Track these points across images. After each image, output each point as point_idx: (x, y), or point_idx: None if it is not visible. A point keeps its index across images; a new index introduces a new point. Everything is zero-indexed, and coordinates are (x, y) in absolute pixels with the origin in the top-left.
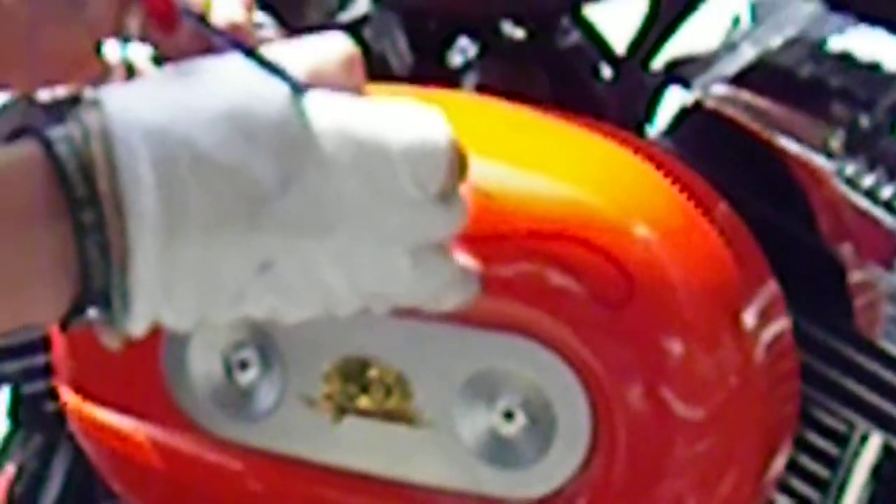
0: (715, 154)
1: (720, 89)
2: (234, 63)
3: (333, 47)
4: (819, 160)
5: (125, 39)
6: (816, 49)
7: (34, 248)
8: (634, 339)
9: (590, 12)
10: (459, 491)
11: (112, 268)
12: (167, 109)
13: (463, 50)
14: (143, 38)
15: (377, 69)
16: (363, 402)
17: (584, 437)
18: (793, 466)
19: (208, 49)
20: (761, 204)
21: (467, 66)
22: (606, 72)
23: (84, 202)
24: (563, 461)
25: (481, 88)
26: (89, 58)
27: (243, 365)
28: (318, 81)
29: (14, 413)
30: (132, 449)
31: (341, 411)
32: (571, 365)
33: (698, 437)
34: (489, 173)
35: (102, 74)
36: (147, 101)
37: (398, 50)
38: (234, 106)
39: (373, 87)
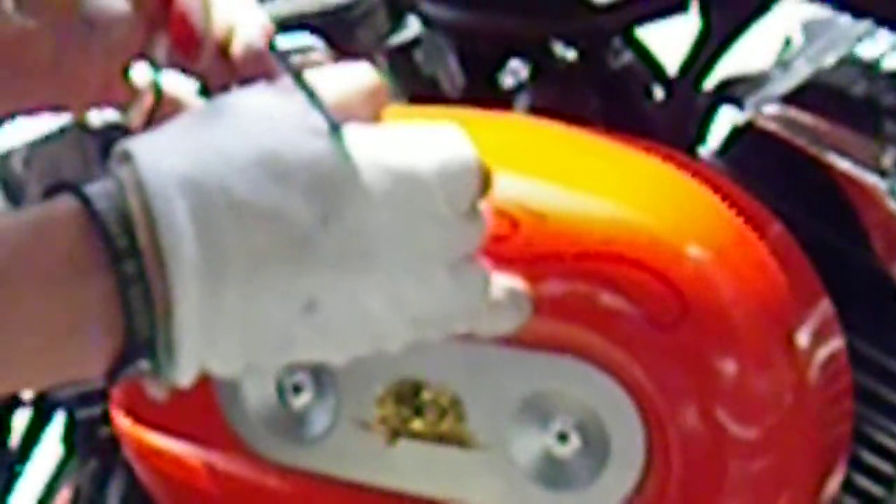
0: (767, 174)
1: (772, 109)
2: (260, 99)
3: (358, 77)
4: (872, 179)
5: (153, 64)
6: (869, 68)
7: (77, 303)
8: (688, 360)
9: (641, 33)
10: None
11: (156, 318)
12: (199, 157)
13: (515, 72)
14: (170, 64)
15: (429, 92)
16: (417, 425)
17: (638, 459)
18: (848, 486)
19: (236, 75)
20: (814, 223)
21: (519, 87)
22: (658, 92)
23: (125, 254)
24: (617, 483)
25: (533, 110)
26: (115, 82)
27: (297, 389)
28: (344, 113)
29: (69, 438)
30: (186, 474)
31: (395, 434)
32: (625, 386)
33: (753, 458)
34: (542, 194)
35: (130, 99)
36: (178, 150)
37: (450, 72)
38: (265, 148)
39: (407, 112)
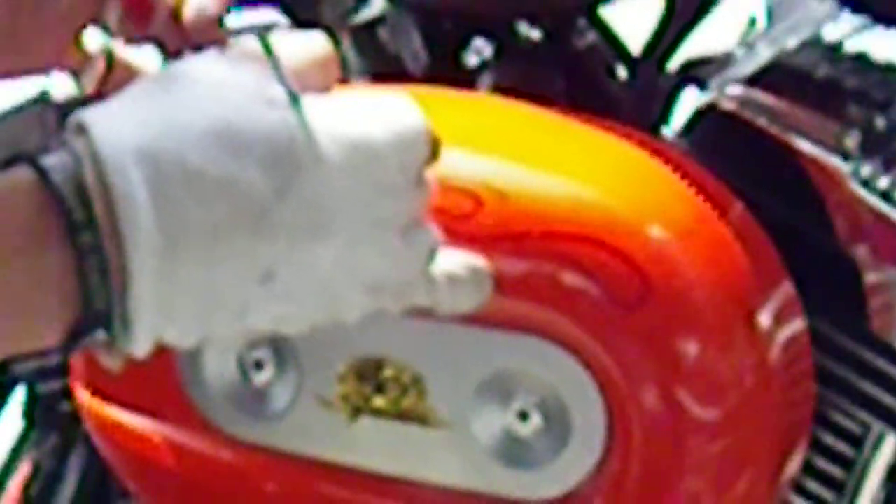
0: (730, 155)
1: (736, 90)
2: (215, 67)
3: (312, 46)
4: (834, 161)
5: (105, 29)
6: (832, 50)
7: (34, 273)
8: (649, 340)
9: (605, 13)
10: (474, 491)
11: (112, 289)
12: (154, 128)
13: (479, 50)
14: (122, 30)
15: (392, 69)
16: (378, 402)
17: (599, 438)
18: (808, 468)
19: (188, 41)
20: (776, 205)
21: (483, 66)
22: (622, 72)
23: (82, 226)
24: (578, 462)
25: (497, 89)
26: (68, 49)
27: (258, 365)
28: (298, 81)
29: (29, 413)
30: (147, 449)
31: (356, 411)
32: (586, 365)
33: (713, 438)
34: (505, 173)
35: (83, 65)
36: (133, 120)
37: (414, 50)
38: (221, 118)
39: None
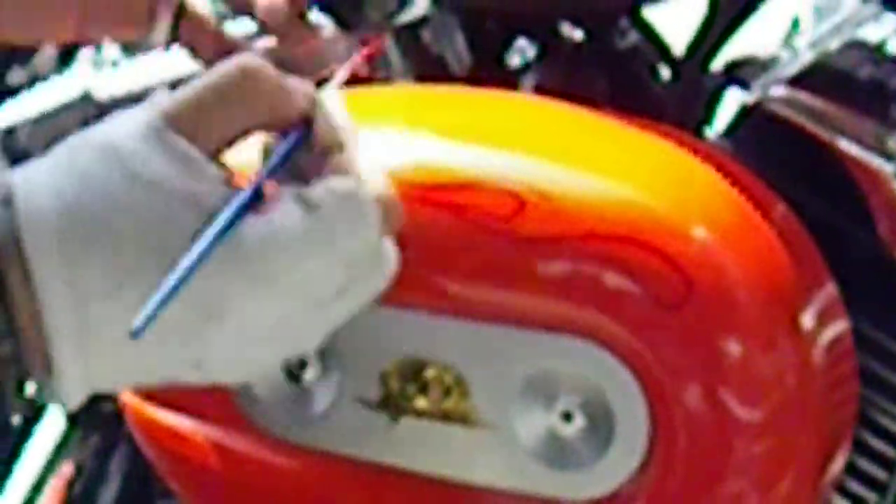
0: (774, 156)
1: (779, 91)
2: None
3: (220, 74)
4: (878, 162)
5: None
6: (875, 51)
7: None
8: (692, 341)
9: (648, 13)
10: (516, 492)
11: (37, 377)
12: (87, 233)
13: (522, 51)
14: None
15: (436, 70)
16: (421, 402)
17: (642, 439)
18: (851, 469)
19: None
20: (820, 205)
21: (526, 67)
22: (665, 73)
23: (2, 335)
24: (621, 463)
25: (539, 89)
26: (140, 6)
27: (302, 365)
28: (206, 119)
29: (71, 413)
30: (190, 449)
31: (399, 412)
32: (630, 366)
33: (756, 439)
34: (548, 174)
35: (149, 19)
36: (64, 214)
37: (457, 51)
38: (152, 233)
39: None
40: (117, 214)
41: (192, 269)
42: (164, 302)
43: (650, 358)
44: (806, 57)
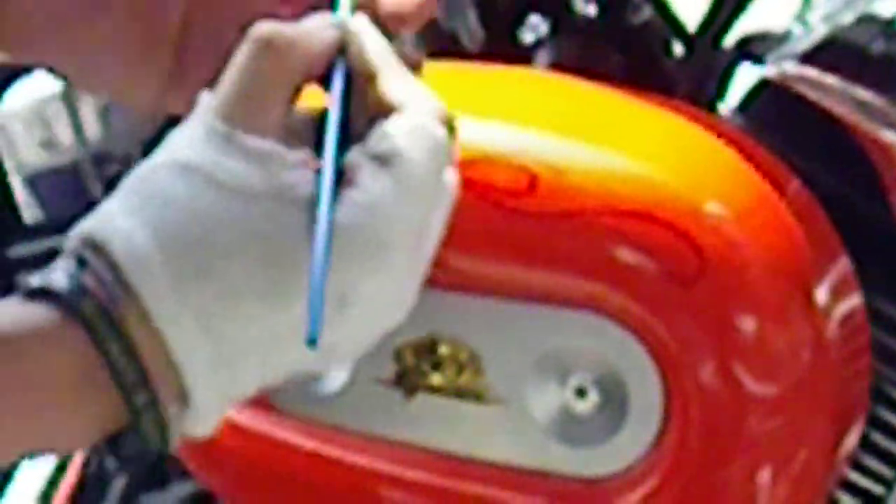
0: (787, 131)
1: (792, 66)
2: (228, 164)
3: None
4: (891, 137)
5: None
6: (888, 26)
7: (68, 424)
8: (706, 316)
9: None
10: (530, 468)
11: (169, 435)
12: (185, 251)
13: (534, 27)
14: None
15: (448, 47)
16: (435, 379)
17: (656, 415)
18: (865, 443)
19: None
20: (833, 181)
21: (539, 43)
22: (678, 48)
23: (135, 386)
24: (634, 439)
25: (553, 66)
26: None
27: None
28: (254, 107)
29: None
30: None
31: (413, 389)
32: (644, 342)
33: (770, 414)
34: (561, 150)
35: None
36: (158, 239)
37: (470, 28)
38: (254, 232)
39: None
40: (215, 231)
41: (325, 265)
42: (320, 304)
43: (664, 334)
44: (819, 32)
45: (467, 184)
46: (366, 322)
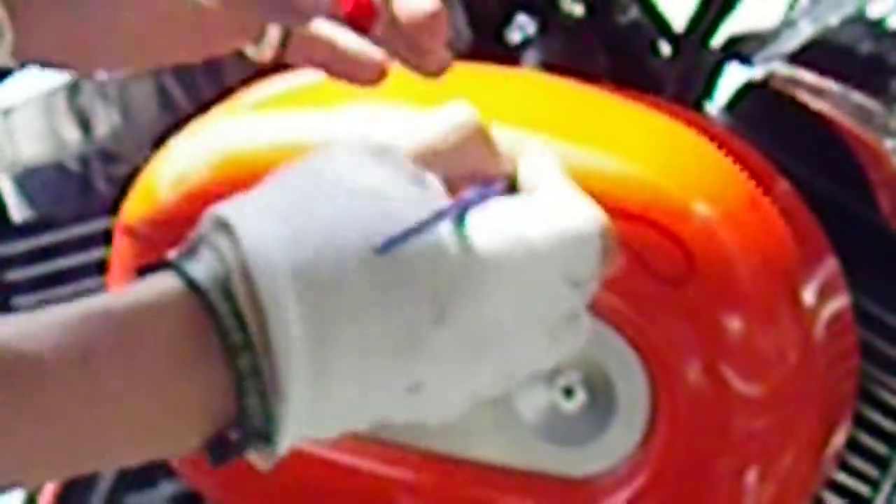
0: (774, 131)
1: (779, 67)
2: (367, 166)
3: (449, 121)
4: (878, 138)
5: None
6: (875, 27)
7: (178, 393)
8: (694, 316)
9: None
10: (518, 467)
11: (270, 410)
12: (310, 243)
13: (522, 27)
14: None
15: None
16: None
17: (643, 414)
18: (852, 443)
19: (404, 41)
20: (821, 181)
21: (526, 43)
22: (665, 48)
23: (240, 348)
24: (622, 438)
25: (540, 66)
26: (254, 23)
27: None
28: (433, 161)
29: None
30: None
31: None
32: (631, 342)
33: (757, 414)
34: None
35: (260, 34)
36: (284, 228)
37: (457, 27)
38: (381, 234)
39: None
40: (338, 223)
41: (443, 216)
42: (410, 233)
43: (651, 333)
44: (806, 32)
45: None
46: (464, 356)
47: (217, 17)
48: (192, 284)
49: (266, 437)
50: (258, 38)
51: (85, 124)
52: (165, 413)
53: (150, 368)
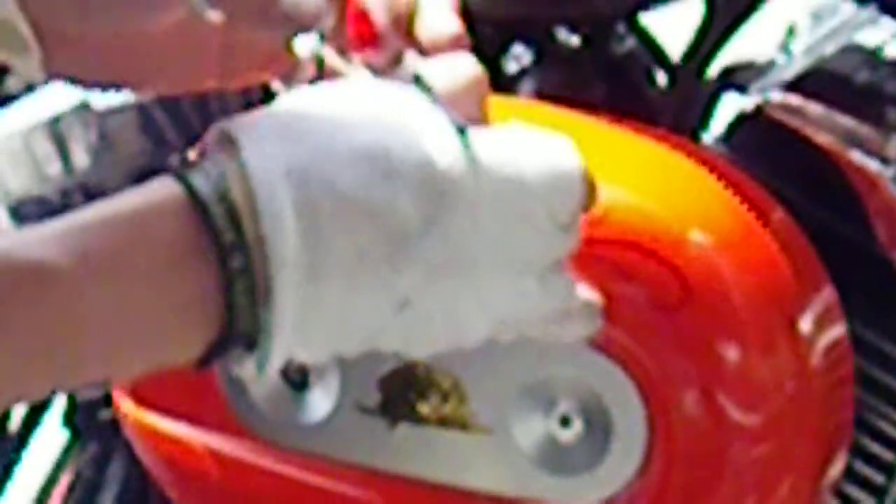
0: (771, 160)
1: (776, 95)
2: (373, 90)
3: (462, 69)
4: (875, 166)
5: (319, 35)
6: (871, 55)
7: (175, 293)
8: (690, 345)
9: (645, 19)
10: (515, 497)
11: (258, 312)
12: (306, 146)
13: (518, 57)
14: (333, 37)
15: None
16: (419, 408)
17: (640, 444)
18: (849, 473)
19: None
20: (817, 210)
21: (523, 72)
22: (662, 78)
23: (232, 248)
24: (619, 467)
25: (536, 95)
26: (280, 53)
27: (300, 370)
28: (452, 106)
29: (69, 420)
30: (187, 456)
31: (397, 418)
32: (627, 370)
33: (754, 443)
34: None
35: (293, 68)
36: (283, 137)
37: None
38: (375, 144)
39: (497, 105)
40: (336, 128)
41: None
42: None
43: (648, 362)
44: (802, 61)
45: None
46: (455, 285)
47: (246, 46)
48: (190, 189)
49: (255, 342)
50: (289, 73)
51: (65, 157)
52: (164, 312)
53: (150, 268)
